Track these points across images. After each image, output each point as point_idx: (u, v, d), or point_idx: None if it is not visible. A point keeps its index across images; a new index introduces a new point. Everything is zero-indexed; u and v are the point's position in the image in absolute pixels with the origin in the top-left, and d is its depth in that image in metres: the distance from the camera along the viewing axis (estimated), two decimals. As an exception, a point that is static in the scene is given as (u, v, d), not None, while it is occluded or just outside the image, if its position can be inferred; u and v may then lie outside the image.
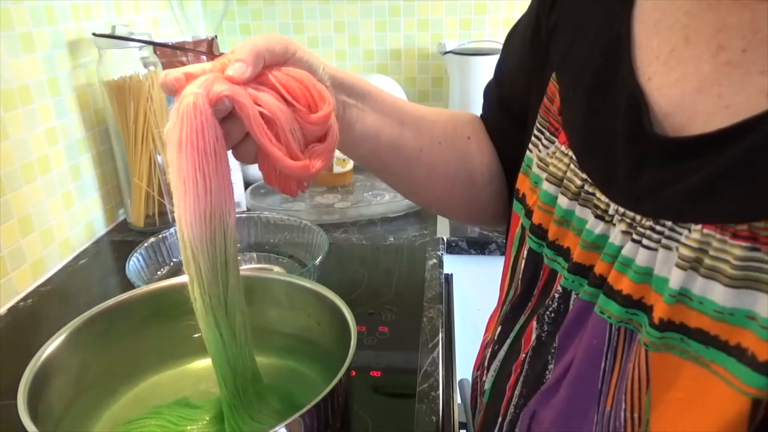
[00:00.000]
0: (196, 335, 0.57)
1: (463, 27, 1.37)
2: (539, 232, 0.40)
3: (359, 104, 0.47)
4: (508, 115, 0.52)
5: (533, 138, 0.43)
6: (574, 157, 0.38)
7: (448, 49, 1.28)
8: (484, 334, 0.50)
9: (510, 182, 0.54)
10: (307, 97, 0.39)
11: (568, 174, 0.38)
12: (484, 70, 1.23)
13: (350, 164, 1.15)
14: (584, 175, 0.36)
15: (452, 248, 0.98)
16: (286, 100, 0.39)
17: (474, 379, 0.49)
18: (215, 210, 0.38)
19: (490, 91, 0.56)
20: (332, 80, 0.45)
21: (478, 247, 0.98)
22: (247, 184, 1.09)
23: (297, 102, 0.39)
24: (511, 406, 0.41)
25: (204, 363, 0.57)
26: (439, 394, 0.60)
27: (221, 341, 0.43)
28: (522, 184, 0.44)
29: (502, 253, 0.98)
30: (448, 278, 0.95)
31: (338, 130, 0.43)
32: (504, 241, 0.95)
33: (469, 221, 0.62)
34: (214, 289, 0.41)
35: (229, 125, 0.39)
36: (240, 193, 1.05)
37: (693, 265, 0.29)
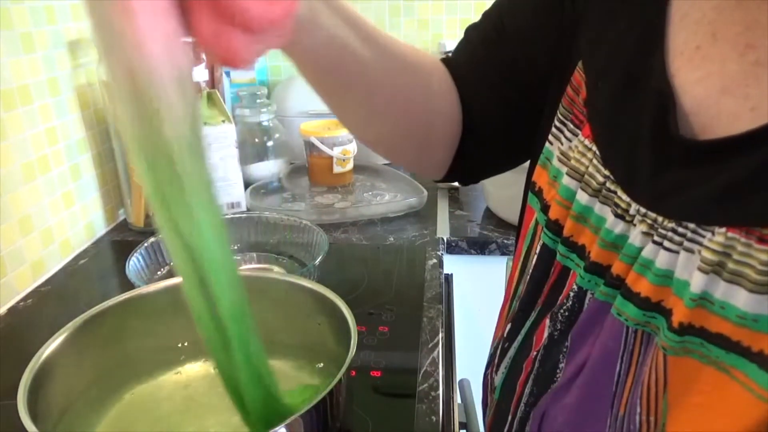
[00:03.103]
0: (194, 341, 0.57)
1: (463, 27, 1.36)
2: (555, 227, 0.39)
3: (326, 9, 0.40)
4: (504, 71, 0.48)
5: (554, 129, 0.42)
6: (597, 152, 0.36)
7: (448, 49, 1.28)
8: (495, 330, 0.50)
9: (466, 132, 0.51)
10: None
11: (590, 169, 0.36)
12: (484, 70, 1.23)
13: (350, 164, 1.15)
14: (607, 172, 0.35)
15: (452, 248, 0.97)
16: None
17: (485, 377, 0.49)
18: (171, 39, 0.28)
19: (481, 38, 0.50)
20: None
21: (478, 247, 0.98)
22: (247, 184, 1.09)
23: None
24: (522, 404, 0.41)
25: (206, 363, 0.57)
26: (439, 394, 0.60)
27: (175, 233, 0.30)
28: (539, 177, 0.43)
29: (502, 253, 0.98)
30: (448, 278, 0.95)
31: (300, 32, 0.37)
32: (504, 241, 0.96)
33: (416, 166, 0.54)
34: (167, 175, 0.29)
35: None
36: (240, 194, 1.05)
37: (715, 268, 0.28)
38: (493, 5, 0.50)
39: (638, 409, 0.32)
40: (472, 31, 0.51)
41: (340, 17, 0.41)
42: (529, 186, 0.45)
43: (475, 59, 0.50)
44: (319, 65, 0.43)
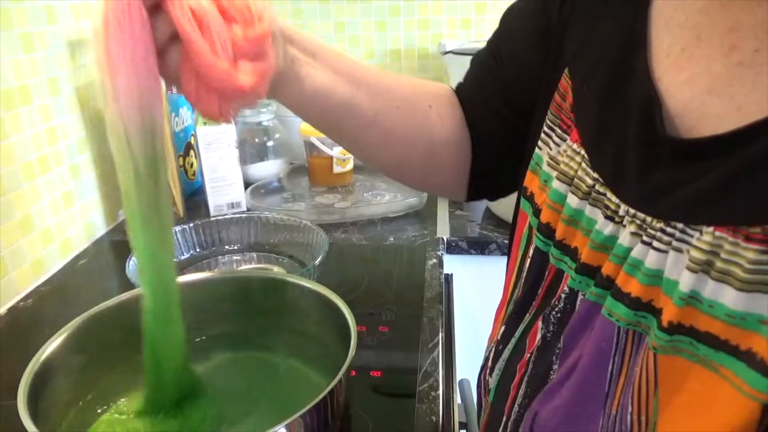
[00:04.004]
0: (198, 339, 0.57)
1: (463, 27, 1.36)
2: (547, 231, 0.40)
3: (310, 60, 0.45)
4: (501, 99, 0.51)
5: (543, 135, 0.42)
6: (585, 155, 0.37)
7: (448, 49, 1.28)
8: (491, 333, 0.50)
9: (477, 154, 0.54)
10: (245, 15, 0.37)
11: (579, 173, 0.37)
12: (484, 70, 1.23)
13: (350, 164, 1.15)
14: (596, 175, 0.36)
15: (452, 248, 0.97)
16: (222, 10, 0.37)
17: (480, 378, 0.49)
18: (144, 93, 0.36)
19: (479, 67, 0.54)
20: (283, 34, 0.43)
21: (478, 247, 0.98)
22: (247, 184, 1.09)
23: (233, 15, 0.37)
24: (516, 406, 0.41)
25: (206, 363, 0.57)
26: (439, 394, 0.60)
27: (150, 231, 0.42)
28: (530, 182, 0.44)
29: (503, 253, 0.98)
30: (448, 278, 0.95)
31: (287, 85, 0.43)
32: (504, 241, 0.96)
33: (425, 188, 0.60)
34: (147, 171, 0.38)
35: (157, 22, 0.36)
36: (240, 194, 1.05)
37: (704, 267, 0.28)
38: (494, 32, 0.53)
39: (630, 409, 0.32)
40: (475, 58, 0.54)
41: (325, 66, 0.46)
42: (521, 191, 0.45)
43: (479, 86, 0.53)
44: (306, 111, 0.47)
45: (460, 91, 0.55)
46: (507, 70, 0.50)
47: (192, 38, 0.35)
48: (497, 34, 0.52)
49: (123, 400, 0.52)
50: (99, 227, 1.01)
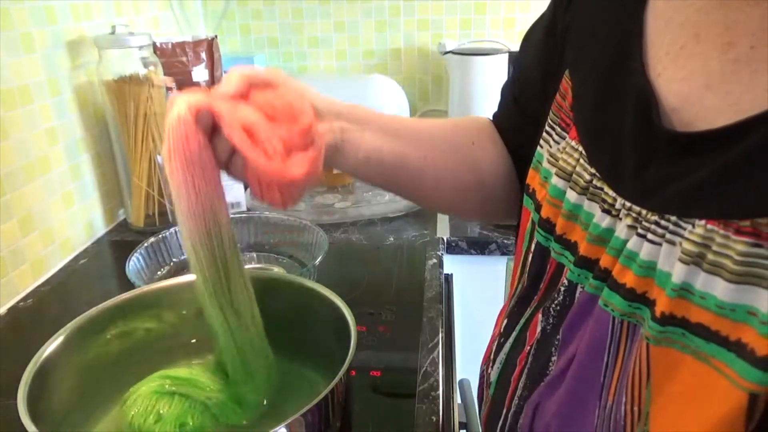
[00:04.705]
0: (196, 340, 0.57)
1: (463, 27, 1.36)
2: (547, 226, 0.41)
3: (357, 127, 0.49)
4: (522, 114, 0.53)
5: (544, 134, 0.44)
6: (583, 152, 0.38)
7: (448, 49, 1.28)
8: (494, 328, 0.51)
9: (522, 180, 0.55)
10: (288, 113, 0.42)
11: (578, 169, 0.38)
12: (484, 70, 1.23)
13: (350, 164, 1.15)
14: (593, 170, 0.37)
15: (452, 248, 0.97)
16: (268, 115, 0.42)
17: (481, 372, 0.49)
18: (206, 208, 0.42)
19: (505, 90, 0.57)
20: (328, 107, 0.47)
21: (478, 247, 0.98)
22: (247, 184, 1.09)
23: (277, 115, 0.42)
24: (516, 398, 0.42)
25: (207, 362, 0.57)
26: (439, 394, 0.60)
27: (227, 324, 0.47)
28: (532, 179, 0.45)
29: (502, 253, 0.98)
30: (448, 278, 0.95)
31: (342, 154, 0.47)
32: (504, 241, 0.96)
33: (484, 220, 0.62)
34: (215, 276, 0.45)
35: (217, 140, 0.42)
36: (240, 194, 1.05)
37: (696, 260, 0.29)
38: (516, 57, 0.55)
39: (624, 399, 0.32)
40: (503, 86, 0.57)
41: (371, 129, 0.50)
42: (524, 188, 0.47)
43: (507, 111, 0.56)
44: (364, 173, 0.51)
45: (495, 119, 0.58)
46: (524, 90, 0.52)
47: (245, 150, 0.40)
48: (516, 58, 0.54)
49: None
50: (99, 227, 1.01)
